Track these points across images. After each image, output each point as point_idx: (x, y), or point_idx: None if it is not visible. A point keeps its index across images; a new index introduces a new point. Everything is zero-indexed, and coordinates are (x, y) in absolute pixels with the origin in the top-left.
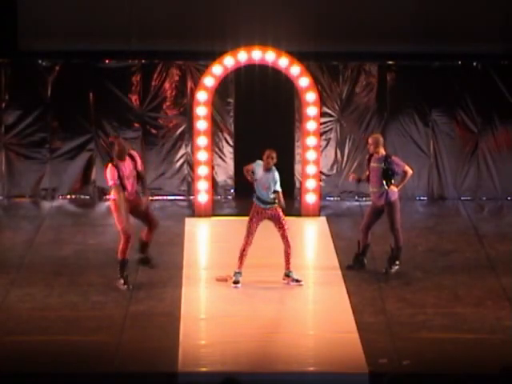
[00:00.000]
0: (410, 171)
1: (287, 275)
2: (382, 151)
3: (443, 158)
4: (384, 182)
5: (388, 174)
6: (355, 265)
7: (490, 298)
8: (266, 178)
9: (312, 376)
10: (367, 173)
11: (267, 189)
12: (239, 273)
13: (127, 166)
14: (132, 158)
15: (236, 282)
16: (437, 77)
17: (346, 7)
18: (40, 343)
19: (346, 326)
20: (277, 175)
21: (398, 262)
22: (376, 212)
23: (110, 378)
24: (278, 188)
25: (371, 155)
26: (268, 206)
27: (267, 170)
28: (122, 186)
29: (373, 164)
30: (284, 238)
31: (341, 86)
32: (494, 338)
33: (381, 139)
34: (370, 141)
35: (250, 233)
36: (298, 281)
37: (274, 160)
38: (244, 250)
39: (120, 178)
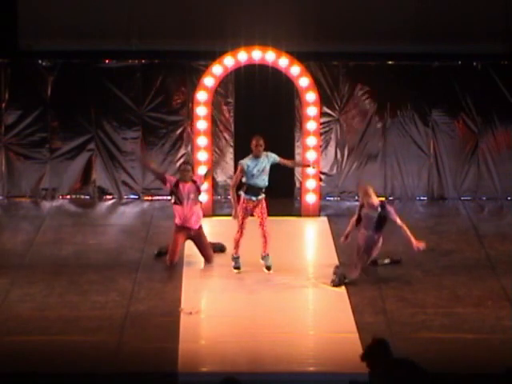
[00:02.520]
0: (403, 225)
1: (262, 258)
2: (376, 200)
3: (443, 158)
4: (375, 227)
5: (382, 221)
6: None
7: (490, 298)
8: (259, 163)
9: (312, 376)
10: (355, 217)
11: (266, 172)
12: (237, 257)
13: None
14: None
15: (237, 268)
16: (437, 77)
17: (346, 7)
18: (40, 343)
19: (346, 326)
20: (271, 154)
21: (347, 281)
22: None
23: (110, 378)
24: (278, 158)
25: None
26: (259, 198)
27: (257, 156)
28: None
29: (366, 211)
30: (261, 225)
31: (341, 86)
32: (494, 338)
33: (369, 189)
34: (359, 192)
35: (242, 227)
36: (268, 268)
37: (263, 146)
38: (238, 240)
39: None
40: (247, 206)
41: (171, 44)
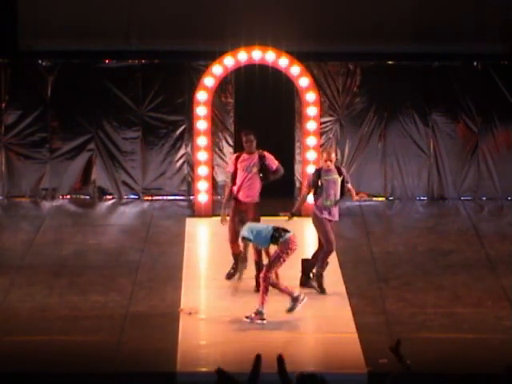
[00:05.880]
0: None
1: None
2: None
3: (443, 158)
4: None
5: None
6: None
7: (490, 298)
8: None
9: None
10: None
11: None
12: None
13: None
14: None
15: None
16: (437, 77)
17: (346, 7)
18: (40, 343)
19: (346, 326)
20: None
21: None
22: None
23: (109, 377)
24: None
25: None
26: None
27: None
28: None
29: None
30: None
31: (341, 86)
32: (494, 338)
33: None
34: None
35: None
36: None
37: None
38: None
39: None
40: None
41: (171, 44)
